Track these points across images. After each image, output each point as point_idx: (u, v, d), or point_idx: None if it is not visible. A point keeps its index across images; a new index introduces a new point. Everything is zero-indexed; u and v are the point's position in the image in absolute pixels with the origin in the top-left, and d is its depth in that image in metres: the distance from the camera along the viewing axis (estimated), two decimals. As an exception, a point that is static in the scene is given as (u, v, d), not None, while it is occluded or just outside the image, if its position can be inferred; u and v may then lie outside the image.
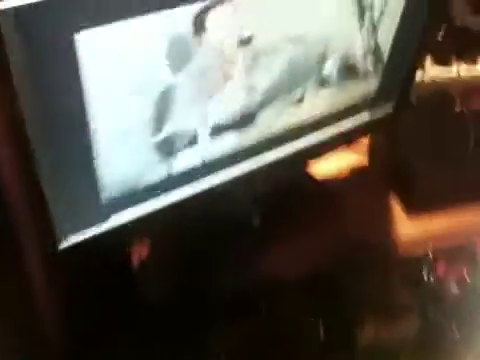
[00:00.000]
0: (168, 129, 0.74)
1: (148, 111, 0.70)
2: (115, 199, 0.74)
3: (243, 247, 0.93)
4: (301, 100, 0.89)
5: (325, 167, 1.12)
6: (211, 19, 0.70)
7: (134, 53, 0.64)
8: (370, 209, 1.05)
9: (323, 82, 0.89)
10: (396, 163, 1.10)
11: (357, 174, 1.13)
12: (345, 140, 1.05)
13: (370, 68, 0.92)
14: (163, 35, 0.67)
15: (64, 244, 0.72)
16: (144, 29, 0.65)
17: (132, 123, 0.69)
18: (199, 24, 0.70)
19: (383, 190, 1.11)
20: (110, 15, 0.61)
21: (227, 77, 0.78)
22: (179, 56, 0.71)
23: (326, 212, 1.02)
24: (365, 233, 0.98)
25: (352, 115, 0.98)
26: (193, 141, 0.78)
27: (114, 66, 0.63)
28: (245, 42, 0.75)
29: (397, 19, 0.89)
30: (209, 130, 0.79)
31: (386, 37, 0.90)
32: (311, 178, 1.10)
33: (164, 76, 0.71)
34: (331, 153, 1.05)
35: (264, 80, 0.80)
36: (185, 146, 0.78)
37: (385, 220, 1.05)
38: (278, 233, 0.96)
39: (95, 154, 0.68)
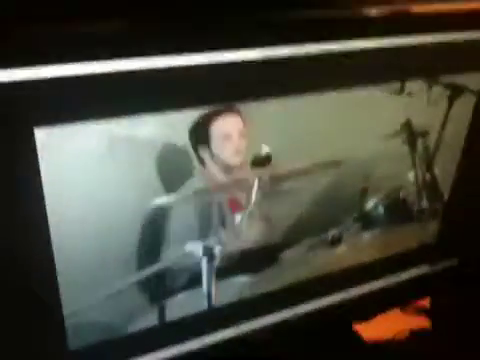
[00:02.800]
0: (157, 264, 0.61)
1: (129, 239, 0.58)
2: (86, 352, 0.61)
3: None
4: (337, 241, 0.70)
5: (375, 331, 0.92)
6: (216, 129, 0.56)
7: (113, 161, 0.54)
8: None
9: (366, 221, 0.74)
10: (467, 333, 0.90)
11: (416, 342, 0.93)
12: (397, 300, 0.88)
13: (426, 207, 0.73)
14: (151, 144, 0.53)
15: None
16: (125, 133, 0.52)
17: (107, 253, 0.57)
18: (200, 135, 0.55)
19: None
20: (82, 112, 0.49)
21: (237, 206, 0.61)
22: (173, 174, 0.57)
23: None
24: None
25: (405, 268, 0.83)
26: (194, 282, 0.64)
27: (84, 176, 0.53)
28: (262, 162, 0.59)
29: (459, 149, 0.75)
30: (213, 269, 0.64)
31: (445, 169, 0.76)
32: (357, 344, 0.92)
33: (151, 196, 0.57)
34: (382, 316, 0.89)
35: (286, 212, 0.67)
36: (183, 288, 0.64)
37: None
38: None
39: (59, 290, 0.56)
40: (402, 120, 0.68)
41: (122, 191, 0.55)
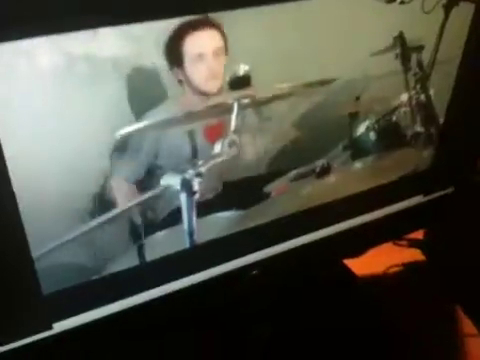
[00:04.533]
0: (132, 200, 0.57)
1: (98, 170, 0.53)
2: (61, 296, 0.57)
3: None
4: (326, 172, 0.66)
5: (367, 265, 0.91)
6: (189, 47, 0.50)
7: (74, 83, 0.48)
8: (428, 324, 0.83)
9: (356, 149, 0.69)
10: (459, 264, 0.88)
11: (409, 276, 0.91)
12: (390, 233, 0.85)
13: (420, 131, 0.68)
14: (114, 63, 0.47)
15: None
16: (83, 50, 0.46)
17: (73, 188, 0.53)
18: (173, 53, 0.50)
19: (444, 300, 0.88)
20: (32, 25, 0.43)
21: (216, 134, 0.56)
22: (143, 96, 0.51)
23: (369, 325, 0.81)
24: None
25: (398, 198, 0.79)
26: (174, 218, 0.60)
27: (41, 102, 0.47)
28: (240, 82, 0.54)
29: (455, 66, 0.69)
30: (194, 204, 0.60)
31: (440, 89, 0.71)
32: (349, 279, 0.89)
33: (119, 122, 0.51)
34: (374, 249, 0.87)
35: (270, 140, 0.61)
36: (163, 225, 0.60)
37: (447, 340, 0.82)
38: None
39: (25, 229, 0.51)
40: (394, 33, 0.62)
41: (87, 116, 0.50)
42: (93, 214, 0.55)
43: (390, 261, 0.92)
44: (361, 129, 0.67)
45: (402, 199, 0.79)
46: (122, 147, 0.53)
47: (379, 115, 0.67)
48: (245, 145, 0.59)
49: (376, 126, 0.68)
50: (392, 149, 0.72)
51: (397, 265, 0.92)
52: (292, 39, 0.56)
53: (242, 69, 0.54)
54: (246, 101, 0.56)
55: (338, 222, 0.75)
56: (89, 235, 0.55)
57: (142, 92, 0.51)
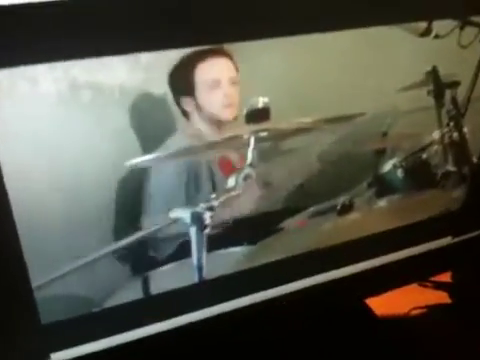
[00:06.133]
0: (138, 233, 0.54)
1: (103, 203, 0.51)
2: (60, 326, 0.55)
3: None
4: (347, 210, 0.63)
5: (388, 305, 0.86)
6: (202, 75, 0.47)
7: (80, 113, 0.46)
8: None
9: (382, 186, 0.66)
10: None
11: (434, 319, 0.86)
12: (415, 274, 0.81)
13: (452, 170, 0.65)
14: (122, 92, 0.44)
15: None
16: (90, 78, 0.44)
17: (78, 219, 0.51)
18: (182, 82, 0.47)
19: (471, 347, 0.82)
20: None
21: (230, 167, 0.54)
22: (151, 129, 0.49)
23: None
24: None
25: (425, 239, 0.75)
26: (182, 252, 0.58)
27: (46, 131, 0.45)
28: (258, 115, 0.50)
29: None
30: (204, 239, 0.57)
31: (475, 127, 0.67)
32: (371, 318, 0.85)
33: (126, 154, 0.49)
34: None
35: (288, 175, 0.59)
36: (170, 259, 0.58)
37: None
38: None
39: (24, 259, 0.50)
40: (427, 68, 0.59)
41: (92, 147, 0.48)
42: (97, 245, 0.53)
43: (413, 302, 0.87)
44: (388, 166, 0.64)
45: (429, 240, 0.75)
46: (129, 178, 0.50)
47: (408, 152, 0.64)
48: (261, 179, 0.56)
49: (404, 164, 0.64)
50: (420, 188, 0.68)
51: (421, 307, 0.87)
52: (317, 72, 0.53)
53: (261, 102, 0.51)
54: (264, 134, 0.53)
55: (358, 262, 0.71)
56: (92, 266, 0.53)
57: (152, 123, 0.49)
